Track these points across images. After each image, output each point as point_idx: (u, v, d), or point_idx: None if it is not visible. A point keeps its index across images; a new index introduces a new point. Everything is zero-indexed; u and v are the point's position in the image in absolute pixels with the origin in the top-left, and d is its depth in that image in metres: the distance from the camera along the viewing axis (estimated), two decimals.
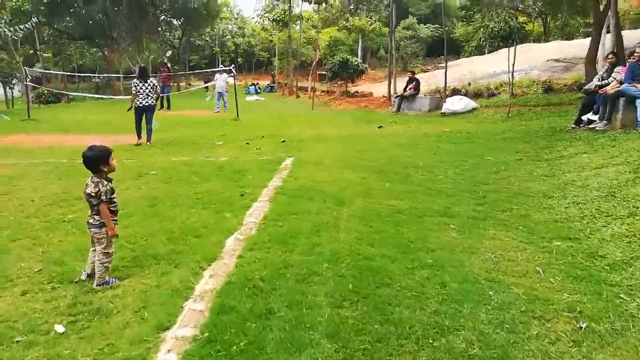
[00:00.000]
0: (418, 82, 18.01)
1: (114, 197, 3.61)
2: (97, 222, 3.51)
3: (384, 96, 21.53)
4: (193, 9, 34.34)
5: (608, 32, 15.42)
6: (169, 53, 24.58)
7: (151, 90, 10.71)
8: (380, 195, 5.77)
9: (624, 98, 8.51)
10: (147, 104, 10.72)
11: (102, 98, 27.50)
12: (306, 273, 3.55)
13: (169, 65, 24.69)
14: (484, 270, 3.52)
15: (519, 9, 27.75)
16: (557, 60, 21.78)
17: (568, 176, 6.11)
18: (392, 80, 20.37)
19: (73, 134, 12.90)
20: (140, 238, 4.38)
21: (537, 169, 6.81)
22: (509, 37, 13.51)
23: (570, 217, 4.58)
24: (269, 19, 37.82)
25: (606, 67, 9.96)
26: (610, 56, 10.18)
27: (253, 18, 57.03)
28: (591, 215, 4.50)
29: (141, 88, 10.67)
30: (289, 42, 32.28)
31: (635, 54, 8.53)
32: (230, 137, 11.49)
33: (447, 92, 18.09)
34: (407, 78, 18.57)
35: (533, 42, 30.75)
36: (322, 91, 27.38)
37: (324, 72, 31.84)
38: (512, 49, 13.61)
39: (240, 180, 6.74)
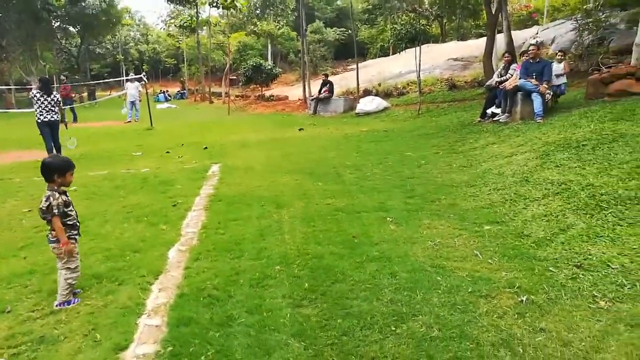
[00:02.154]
0: (332, 85, 18.44)
1: (70, 210, 3.37)
2: (55, 238, 3.31)
3: (299, 99, 21.77)
4: (91, 14, 32.48)
5: (500, 32, 16.81)
6: (62, 77, 23.63)
7: (55, 104, 9.95)
8: (316, 195, 5.87)
9: (521, 92, 9.35)
10: (52, 118, 9.90)
11: None
12: (259, 277, 3.55)
13: (65, 81, 23.30)
14: (427, 258, 3.73)
15: (418, 12, 29.36)
16: (455, 59, 23.31)
17: (484, 165, 6.61)
18: (307, 83, 20.66)
19: None
20: None
21: (455, 161, 7.28)
22: (415, 39, 14.23)
23: (494, 202, 4.98)
24: (175, 25, 36.72)
25: (503, 65, 10.86)
26: (506, 55, 11.12)
27: (157, 24, 55.11)
28: (511, 200, 4.92)
29: (45, 101, 9.88)
30: (198, 48, 31.57)
31: (529, 52, 9.40)
32: (148, 147, 11.04)
33: (359, 93, 18.70)
34: (321, 81, 18.94)
35: (432, 42, 32.65)
36: (237, 96, 27.10)
37: (235, 77, 31.56)
38: (418, 49, 14.36)
39: (168, 191, 6.53)
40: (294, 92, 24.65)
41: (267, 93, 25.36)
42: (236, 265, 3.80)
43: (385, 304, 3.07)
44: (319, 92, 18.36)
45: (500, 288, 3.17)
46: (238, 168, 7.94)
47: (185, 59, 39.38)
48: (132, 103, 19.53)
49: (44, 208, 3.24)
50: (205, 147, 10.40)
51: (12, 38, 29.62)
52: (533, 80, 9.09)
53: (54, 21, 34.42)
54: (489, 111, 10.45)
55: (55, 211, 3.23)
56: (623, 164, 4.95)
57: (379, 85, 20.44)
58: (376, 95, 18.27)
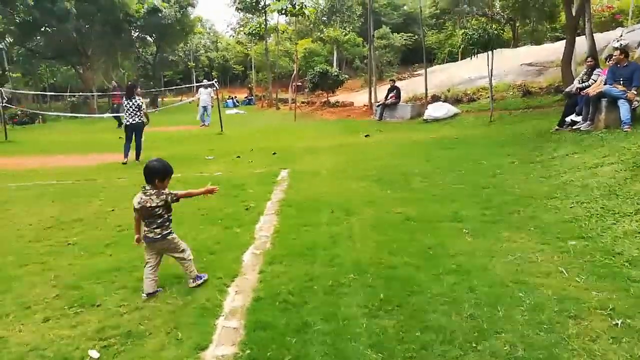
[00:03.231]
0: (399, 90, 18.25)
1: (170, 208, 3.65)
2: (159, 236, 3.56)
3: (365, 105, 21.72)
4: (167, 24, 34.15)
5: (579, 35, 15.94)
6: (114, 83, 24.74)
7: (136, 108, 10.62)
8: (385, 203, 5.80)
9: (606, 99, 8.79)
10: (133, 122, 10.64)
11: (76, 117, 26.95)
12: (333, 285, 3.54)
13: (117, 87, 24.37)
14: (508, 272, 3.56)
15: (489, 16, 28.53)
16: (529, 64, 22.35)
17: (565, 177, 6.25)
18: (373, 89, 20.58)
19: (54, 155, 12.63)
20: None
21: (533, 171, 6.94)
22: (487, 44, 13.79)
23: (578, 216, 4.69)
24: (244, 33, 37.87)
25: (585, 70, 10.27)
26: (589, 59, 10.50)
27: (227, 32, 57.14)
28: (598, 214, 4.61)
29: (126, 106, 10.62)
30: (266, 55, 32.35)
31: (614, 57, 8.83)
32: (220, 152, 11.41)
33: (427, 99, 18.36)
34: (388, 86, 18.80)
35: (504, 47, 31.55)
36: (303, 102, 27.48)
37: (301, 84, 32.03)
38: (490, 54, 13.91)
39: (240, 195, 6.70)
40: (359, 99, 24.63)
41: (333, 99, 25.51)
42: (310, 271, 3.81)
43: (465, 319, 2.96)
44: (386, 97, 18.21)
45: (590, 309, 2.96)
46: (306, 173, 8.02)
47: (253, 66, 40.48)
48: (204, 108, 20.37)
49: (160, 203, 3.49)
50: (274, 153, 10.59)
51: (95, 47, 31.74)
52: (620, 86, 8.53)
53: (133, 31, 36.53)
54: (568, 119, 9.91)
55: (172, 198, 3.54)
56: None
57: (448, 91, 19.98)
58: (445, 101, 17.86)
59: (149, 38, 39.34)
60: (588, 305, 3.00)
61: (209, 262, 4.18)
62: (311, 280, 3.62)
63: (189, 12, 38.07)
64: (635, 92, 8.34)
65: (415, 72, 32.22)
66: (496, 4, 31.92)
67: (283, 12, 26.28)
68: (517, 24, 33.58)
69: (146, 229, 3.59)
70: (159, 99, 38.73)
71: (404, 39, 39.89)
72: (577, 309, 2.97)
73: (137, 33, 37.55)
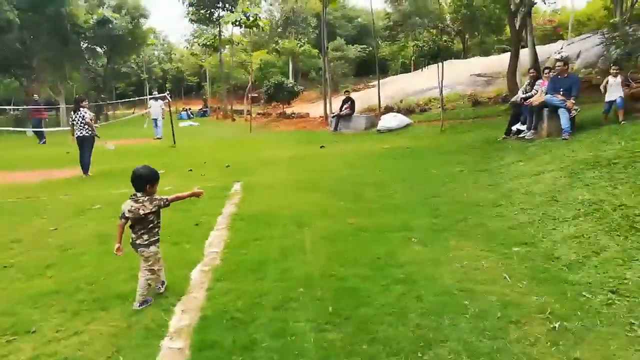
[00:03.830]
0: (353, 102, 18.47)
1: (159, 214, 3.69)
2: (146, 242, 3.59)
3: (320, 116, 21.87)
4: (118, 35, 33.36)
5: (523, 47, 16.67)
6: (35, 96, 23.66)
7: (81, 121, 10.35)
8: (338, 214, 5.82)
9: (547, 108, 9.19)
10: (80, 134, 10.37)
11: (19, 131, 25.72)
12: (282, 300, 3.50)
13: (36, 101, 23.22)
14: (454, 280, 3.63)
15: (440, 28, 29.43)
16: (478, 75, 23.18)
17: (510, 184, 6.47)
18: (328, 101, 20.75)
19: None
20: (98, 278, 4.13)
21: (480, 179, 7.15)
22: (437, 55, 14.21)
23: (522, 223, 4.85)
24: (198, 44, 37.48)
25: (529, 81, 10.71)
26: (531, 70, 10.97)
27: (181, 43, 56.41)
28: (540, 220, 4.78)
29: (75, 119, 10.40)
30: (221, 66, 32.10)
31: (557, 68, 9.25)
32: (171, 165, 11.16)
33: (381, 110, 18.68)
34: (343, 98, 19.01)
35: (454, 58, 32.61)
36: (258, 113, 27.38)
37: (257, 95, 31.95)
38: (440, 65, 14.32)
39: (191, 210, 6.55)
40: (315, 110, 24.78)
41: (289, 110, 25.55)
42: (259, 287, 3.76)
43: (411, 329, 2.98)
44: (340, 109, 18.39)
45: (531, 314, 3.05)
46: (260, 186, 7.96)
47: (207, 77, 40.06)
48: (155, 121, 19.96)
49: (153, 210, 3.53)
50: (228, 165, 10.47)
51: (41, 59, 30.56)
52: (560, 96, 8.93)
53: (82, 42, 35.47)
54: (514, 128, 10.30)
55: (164, 203, 3.58)
56: None
57: (401, 102, 20.44)
58: (398, 112, 18.23)
59: (99, 49, 38.30)
60: (528, 310, 3.10)
61: None
62: (260, 296, 3.57)
63: (141, 23, 37.37)
64: (574, 102, 8.75)
65: (370, 84, 32.72)
66: (446, 17, 32.96)
67: (237, 23, 26.20)
68: (467, 36, 34.81)
69: (134, 235, 3.61)
70: (108, 112, 37.63)
71: (358, 51, 40.51)
72: (518, 315, 3.05)
73: (87, 44, 36.47)
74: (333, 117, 18.71)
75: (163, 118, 19.85)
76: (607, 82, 8.98)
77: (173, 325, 3.26)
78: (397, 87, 24.93)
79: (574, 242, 4.06)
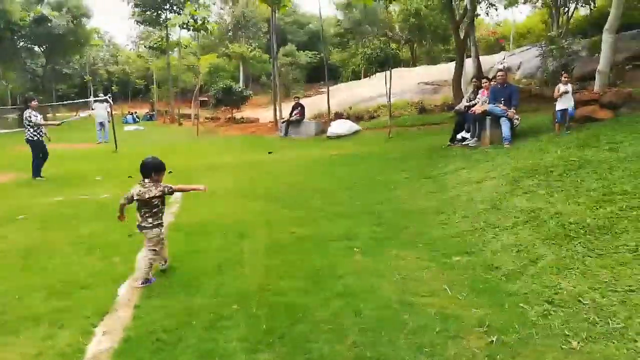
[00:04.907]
0: (303, 108, 18.38)
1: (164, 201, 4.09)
2: (150, 225, 3.95)
3: (270, 122, 21.62)
4: (58, 35, 31.79)
5: (468, 57, 17.16)
6: None
7: (27, 123, 9.82)
8: (281, 223, 5.65)
9: (490, 117, 9.41)
10: (26, 137, 9.93)
11: None
12: (214, 318, 3.28)
13: None
14: (394, 293, 3.54)
15: (389, 36, 29.92)
16: (426, 83, 23.66)
17: (453, 191, 6.51)
18: (278, 106, 20.56)
19: None
20: (12, 297, 3.76)
21: (425, 186, 7.18)
22: (385, 63, 14.33)
23: (463, 231, 4.85)
24: (145, 46, 36.36)
25: (472, 89, 10.97)
26: (474, 80, 11.24)
27: (127, 45, 54.68)
28: (481, 229, 4.80)
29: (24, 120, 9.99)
30: (168, 69, 31.24)
31: (498, 77, 9.49)
32: (111, 172, 10.64)
33: (330, 116, 18.68)
34: (293, 103, 18.89)
35: (403, 66, 33.24)
36: (207, 118, 26.79)
37: (206, 99, 31.32)
38: (388, 73, 14.45)
39: (127, 220, 6.18)
40: (265, 115, 24.50)
41: (238, 115, 25.15)
42: (191, 304, 3.52)
43: (348, 347, 2.85)
44: (290, 114, 18.25)
45: (469, 327, 2.99)
46: (202, 194, 7.64)
47: (155, 81, 38.94)
48: (101, 124, 19.13)
49: (158, 194, 3.96)
50: (170, 171, 10.01)
51: None
52: (501, 105, 9.16)
53: (18, 41, 33.59)
54: (458, 135, 10.48)
55: (170, 189, 4.06)
56: (590, 192, 4.90)
57: (350, 108, 20.52)
58: (347, 118, 18.29)
59: (37, 49, 36.36)
60: (467, 323, 3.03)
61: (79, 298, 3.73)
62: (190, 315, 3.34)
63: (83, 23, 35.81)
64: (514, 111, 9.00)
65: (321, 90, 32.77)
66: (395, 25, 33.55)
67: (185, 26, 25.56)
68: (415, 45, 35.52)
69: (140, 218, 3.99)
70: (48, 114, 35.74)
71: (309, 57, 40.54)
72: (457, 328, 2.98)
73: (23, 43, 34.54)
74: (283, 122, 18.54)
75: (109, 121, 19.02)
76: (558, 90, 8.74)
77: (91, 349, 2.98)
78: (347, 93, 25.06)
79: (513, 251, 4.07)
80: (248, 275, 4.04)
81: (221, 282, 3.90)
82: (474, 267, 3.91)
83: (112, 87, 45.37)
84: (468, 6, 14.23)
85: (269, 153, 13.29)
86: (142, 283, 3.85)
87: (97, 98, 21.77)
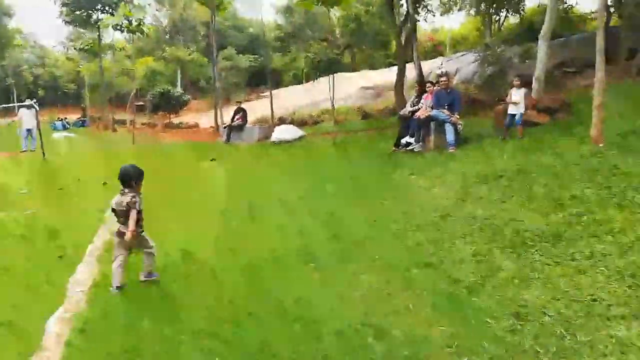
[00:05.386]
0: (245, 112, 17.95)
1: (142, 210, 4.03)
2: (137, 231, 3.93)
3: (211, 127, 21.01)
4: None
5: (408, 62, 17.44)
6: None
7: None
8: (229, 240, 5.32)
9: (434, 122, 9.49)
10: None
11: None
12: (165, 355, 2.94)
13: None
14: (357, 314, 3.34)
15: (330, 41, 30.08)
16: (367, 88, 23.90)
17: (405, 199, 6.43)
18: (219, 111, 20.00)
19: None
20: None
21: (376, 194, 7.06)
22: (328, 68, 14.26)
23: (420, 242, 4.73)
24: (75, 48, 34.42)
25: (415, 94, 11.06)
26: (416, 85, 11.35)
27: (55, 46, 51.73)
28: (437, 239, 4.69)
29: None
30: (101, 73, 29.70)
31: (441, 82, 9.59)
32: (38, 183, 9.81)
33: (274, 122, 18.40)
34: (233, 108, 18.43)
35: (344, 72, 33.47)
36: (143, 124, 25.68)
37: (142, 104, 30.06)
38: (331, 78, 14.40)
39: (56, 238, 5.63)
40: (205, 120, 23.82)
41: (176, 121, 24.29)
42: (132, 339, 3.15)
43: None
44: (232, 120, 17.78)
45: (439, 348, 2.84)
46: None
47: (86, 85, 36.94)
48: (28, 131, 17.75)
49: (125, 203, 3.88)
50: (105, 183, 9.38)
51: None
52: (445, 111, 9.26)
53: None
54: (403, 141, 10.49)
55: (137, 207, 3.91)
56: (541, 197, 4.96)
57: (294, 113, 20.33)
58: (291, 123, 18.06)
59: None
60: (436, 344, 2.89)
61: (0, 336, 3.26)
62: (130, 352, 2.98)
63: (4, 22, 33.41)
64: (458, 117, 9.13)
65: (263, 94, 32.38)
66: (336, 30, 33.76)
67: (119, 28, 24.34)
68: (355, 50, 35.90)
69: (121, 226, 3.97)
70: None
71: (250, 61, 40.02)
72: (426, 350, 2.83)
73: None
74: (225, 127, 18.02)
75: (37, 128, 17.68)
76: (511, 96, 8.73)
77: None
78: (290, 98, 24.86)
79: (472, 262, 3.99)
80: (197, 302, 3.70)
81: (173, 308, 3.54)
82: (435, 280, 3.79)
83: (39, 91, 42.67)
84: (410, 11, 14.43)
85: (212, 160, 12.80)
86: (146, 277, 4.08)
87: (22, 104, 20.21)
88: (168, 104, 23.05)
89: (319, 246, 4.91)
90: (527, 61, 17.57)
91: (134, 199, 3.90)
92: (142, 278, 4.04)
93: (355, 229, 5.44)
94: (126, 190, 3.96)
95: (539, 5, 23.32)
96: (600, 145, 6.05)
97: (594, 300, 3.02)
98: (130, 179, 3.97)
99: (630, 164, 5.15)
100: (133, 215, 3.88)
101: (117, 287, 3.87)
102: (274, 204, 6.99)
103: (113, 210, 4.00)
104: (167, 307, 3.62)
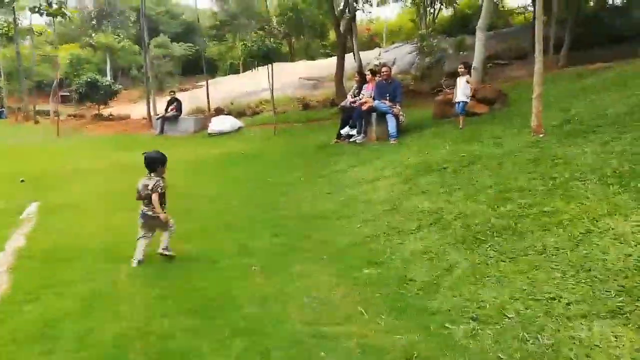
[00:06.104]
0: (180, 103, 17.18)
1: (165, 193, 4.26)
2: (154, 213, 4.14)
3: (144, 118, 19.93)
4: None
5: (347, 52, 17.33)
6: None
7: None
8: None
9: (376, 113, 9.36)
10: None
11: None
12: None
13: None
14: (305, 322, 3.05)
15: (267, 30, 29.45)
16: (307, 79, 23.61)
17: (349, 192, 6.23)
18: (151, 101, 18.98)
19: None
20: None
21: (319, 187, 6.83)
22: (266, 56, 13.77)
23: (368, 237, 4.52)
24: None
25: (356, 85, 10.88)
26: (356, 75, 11.17)
27: None
28: (385, 233, 4.51)
29: None
30: (19, 60, 27.41)
31: (383, 73, 9.45)
32: None
33: (210, 112, 17.71)
34: (168, 98, 17.57)
35: (283, 61, 32.93)
36: (69, 115, 23.99)
37: (68, 94, 28.16)
38: (270, 67, 13.93)
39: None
40: (138, 111, 22.55)
41: (106, 112, 22.87)
42: None
43: None
44: (166, 110, 16.96)
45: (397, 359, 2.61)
46: (64, 207, 6.50)
47: (2, 73, 34.08)
48: None
49: (151, 187, 4.11)
50: (22, 180, 8.52)
51: None
52: (386, 101, 9.15)
53: None
54: (344, 132, 10.31)
55: (159, 190, 4.13)
56: (487, 189, 4.88)
57: (232, 103, 19.68)
58: (229, 114, 17.43)
59: None
60: (393, 355, 2.65)
61: None
62: None
63: None
64: (399, 108, 9.04)
65: (199, 84, 31.22)
66: (273, 19, 33.11)
67: (37, 10, 22.48)
68: (293, 40, 35.44)
69: (145, 208, 4.19)
70: None
71: (184, 49, 38.53)
72: None
73: None
74: (158, 119, 17.13)
75: None
76: (459, 83, 8.65)
77: None
78: (227, 88, 24.10)
79: (424, 259, 3.81)
80: (125, 314, 3.27)
81: (89, 328, 3.08)
82: (387, 281, 3.57)
83: None
84: (349, 0, 14.24)
85: (144, 154, 12.04)
86: (163, 249, 4.20)
87: None
88: (96, 94, 21.60)
89: (261, 243, 4.60)
90: (461, 52, 18.03)
91: (158, 183, 4.14)
92: (159, 251, 4.18)
93: (299, 224, 5.16)
94: (152, 175, 4.20)
95: None
96: (541, 135, 6.10)
97: (552, 298, 2.90)
98: (156, 164, 4.24)
99: (570, 153, 5.17)
100: (155, 198, 4.09)
101: (138, 261, 4.12)
102: (211, 199, 6.57)
103: (138, 192, 4.21)
104: (89, 317, 3.17)
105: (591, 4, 20.78)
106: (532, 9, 19.66)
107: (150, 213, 4.17)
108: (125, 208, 6.27)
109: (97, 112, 22.58)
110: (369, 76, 10.26)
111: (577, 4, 16.32)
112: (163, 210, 4.20)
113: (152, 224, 4.24)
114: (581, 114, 6.69)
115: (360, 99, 10.14)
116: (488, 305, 3.01)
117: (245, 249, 4.48)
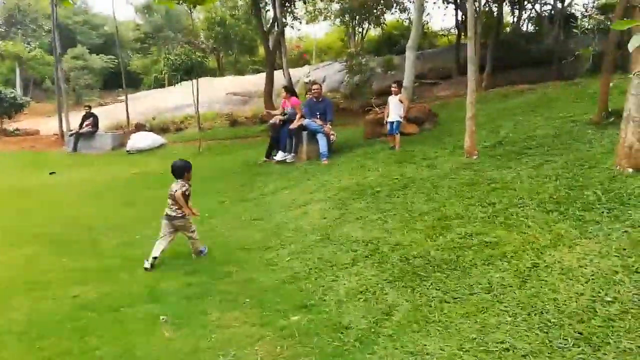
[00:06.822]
0: (96, 118, 15.91)
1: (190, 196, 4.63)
2: (180, 214, 4.51)
3: (55, 134, 18.33)
4: None
5: (276, 69, 16.95)
6: None
7: None
8: (57, 281, 4.12)
9: (306, 132, 8.97)
10: None
11: None
12: None
13: None
14: None
15: (194, 44, 28.52)
16: (235, 94, 22.94)
17: (278, 218, 5.73)
18: (65, 116, 17.49)
19: None
20: None
21: (245, 212, 6.26)
22: (190, 71, 13.07)
23: (296, 273, 4.03)
24: None
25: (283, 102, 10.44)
26: (284, 93, 10.73)
27: None
28: (317, 269, 4.04)
29: None
30: None
31: (314, 91, 9.07)
32: None
33: (130, 128, 16.59)
34: (83, 113, 16.25)
35: (210, 76, 31.98)
36: None
37: None
38: (195, 82, 13.22)
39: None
40: (50, 126, 20.75)
41: (12, 127, 20.84)
42: None
43: None
44: (81, 126, 15.64)
45: None
46: None
47: None
48: None
49: (179, 192, 4.47)
50: (52, 172, 7.24)
51: None
52: (317, 120, 8.78)
53: None
54: (273, 151, 9.84)
55: (185, 191, 4.53)
56: (424, 215, 4.57)
57: (154, 119, 18.62)
58: (150, 130, 16.43)
59: None
60: None
61: None
62: None
63: None
64: (330, 127, 8.70)
65: (120, 98, 29.52)
66: (200, 33, 32.16)
67: None
68: (221, 55, 34.62)
69: (168, 209, 4.53)
70: None
71: (105, 62, 36.47)
72: None
73: None
74: (71, 135, 15.75)
75: None
76: (389, 103, 8.41)
77: None
78: (149, 102, 22.87)
79: (360, 300, 3.37)
80: None
81: None
82: (319, 329, 3.08)
83: None
84: (278, 15, 13.88)
85: (51, 174, 10.84)
86: (196, 253, 4.65)
87: None
88: (0, 107, 19.64)
89: (172, 284, 3.97)
90: (389, 72, 18.23)
91: (182, 187, 4.50)
92: (193, 256, 4.63)
93: (218, 257, 4.60)
94: (179, 181, 4.57)
95: (398, 20, 24.44)
96: (474, 157, 5.95)
97: (506, 349, 2.54)
98: (182, 171, 4.60)
99: (505, 177, 5.02)
100: (179, 194, 4.44)
101: (154, 258, 4.38)
102: (120, 230, 5.81)
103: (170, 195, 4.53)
104: None
105: (507, 29, 21.91)
106: (455, 31, 20.42)
107: (173, 213, 4.50)
108: (10, 240, 5.41)
109: (0, 126, 20.52)
110: (283, 94, 9.91)
111: (495, 28, 17.04)
112: (182, 213, 4.52)
113: (175, 224, 4.53)
114: (511, 136, 6.67)
115: (288, 117, 9.69)
116: (435, 358, 2.61)
117: (153, 293, 3.82)
